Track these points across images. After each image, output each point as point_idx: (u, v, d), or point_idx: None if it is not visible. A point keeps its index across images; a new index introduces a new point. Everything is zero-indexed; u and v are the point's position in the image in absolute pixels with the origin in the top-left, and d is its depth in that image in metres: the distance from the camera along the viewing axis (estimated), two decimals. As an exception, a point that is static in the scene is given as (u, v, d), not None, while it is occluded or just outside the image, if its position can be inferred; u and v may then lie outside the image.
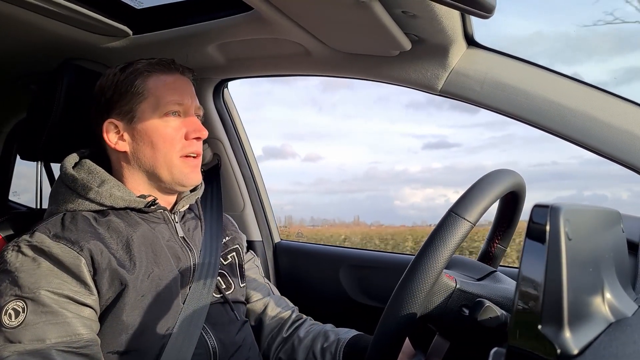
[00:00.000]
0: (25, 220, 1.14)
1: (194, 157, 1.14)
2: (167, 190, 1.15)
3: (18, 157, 2.42)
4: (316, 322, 1.34)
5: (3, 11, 1.11)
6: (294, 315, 1.33)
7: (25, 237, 0.98)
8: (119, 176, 1.14)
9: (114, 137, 1.11)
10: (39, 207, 2.42)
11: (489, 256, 1.12)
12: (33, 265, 0.94)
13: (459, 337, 0.88)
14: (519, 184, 0.93)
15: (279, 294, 1.40)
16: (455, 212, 0.78)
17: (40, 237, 0.97)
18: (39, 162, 2.23)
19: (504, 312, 0.76)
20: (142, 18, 1.29)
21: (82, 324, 0.94)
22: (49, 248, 0.95)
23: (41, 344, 0.89)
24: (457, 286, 0.85)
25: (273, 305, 1.33)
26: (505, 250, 1.12)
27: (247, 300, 1.32)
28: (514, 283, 0.93)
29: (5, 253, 0.97)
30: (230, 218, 1.41)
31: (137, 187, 1.13)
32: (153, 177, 1.12)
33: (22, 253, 0.96)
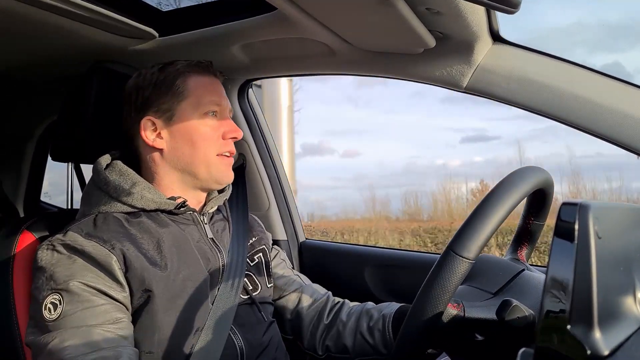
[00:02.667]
0: (57, 220, 1.16)
1: (228, 156, 1.17)
2: (200, 188, 1.17)
3: (50, 158, 2.48)
4: (354, 302, 1.34)
5: (32, 16, 1.13)
6: (330, 301, 1.33)
7: (59, 236, 1.00)
8: (150, 175, 1.15)
9: (151, 134, 1.13)
10: (69, 207, 2.48)
11: (526, 233, 1.10)
12: (68, 261, 0.97)
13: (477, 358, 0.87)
14: (544, 181, 0.91)
15: (310, 282, 1.40)
16: (453, 251, 0.77)
17: (73, 236, 0.99)
18: (70, 164, 2.28)
19: (531, 311, 0.75)
20: (168, 20, 1.31)
21: (117, 309, 0.97)
22: (82, 246, 0.98)
23: (82, 328, 0.92)
24: (465, 315, 0.84)
25: (307, 295, 1.33)
26: (543, 225, 1.09)
27: (281, 295, 1.33)
28: (537, 287, 0.91)
29: (40, 252, 1.00)
30: (257, 218, 1.42)
31: (169, 185, 1.15)
32: (189, 175, 1.14)
33: (57, 251, 0.98)
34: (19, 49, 1.39)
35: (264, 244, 1.32)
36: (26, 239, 1.12)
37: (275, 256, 1.38)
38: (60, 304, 0.93)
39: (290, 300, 1.33)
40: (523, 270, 0.98)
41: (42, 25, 1.20)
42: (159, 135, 1.13)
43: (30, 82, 1.78)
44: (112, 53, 1.39)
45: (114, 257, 0.98)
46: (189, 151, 1.12)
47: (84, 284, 0.95)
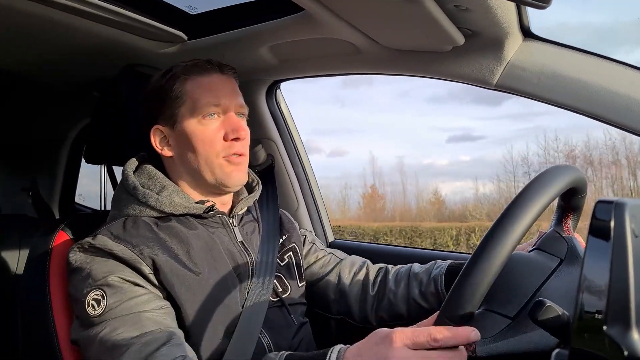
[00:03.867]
0: (91, 221, 1.19)
1: (237, 157, 1.11)
2: (215, 192, 1.15)
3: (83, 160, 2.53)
4: (397, 266, 1.31)
5: (65, 21, 1.16)
6: (371, 270, 1.31)
7: (88, 239, 1.01)
8: (174, 181, 1.15)
9: (161, 143, 1.13)
10: (103, 208, 2.53)
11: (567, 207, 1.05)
12: (102, 260, 0.99)
13: None
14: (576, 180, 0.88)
15: (346, 256, 1.38)
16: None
17: (103, 239, 1.00)
18: (103, 166, 2.33)
19: (565, 312, 0.74)
20: (197, 23, 1.33)
21: (159, 298, 0.98)
22: (111, 249, 0.98)
23: (130, 315, 0.93)
24: (477, 355, 0.80)
25: (346, 271, 1.31)
26: (584, 198, 1.03)
27: (320, 278, 1.31)
28: (569, 288, 0.89)
29: (72, 254, 1.02)
30: (287, 213, 1.40)
31: (191, 191, 1.14)
32: (199, 180, 1.12)
33: (88, 252, 1.00)
34: (53, 54, 1.43)
35: (294, 242, 1.30)
36: (62, 239, 1.15)
37: (304, 243, 1.37)
38: (104, 299, 0.94)
39: (330, 281, 1.31)
40: (556, 269, 0.95)
41: (76, 30, 1.22)
42: (167, 144, 1.13)
43: (64, 86, 1.83)
44: (143, 56, 1.42)
45: (143, 262, 0.98)
46: (193, 157, 1.10)
47: (122, 278, 0.97)
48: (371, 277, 1.29)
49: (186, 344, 0.95)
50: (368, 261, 1.35)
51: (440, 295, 1.16)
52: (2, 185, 2.66)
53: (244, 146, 1.13)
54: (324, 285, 1.31)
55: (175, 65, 1.13)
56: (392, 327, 0.83)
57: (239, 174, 1.12)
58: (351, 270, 1.32)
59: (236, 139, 1.10)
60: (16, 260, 1.86)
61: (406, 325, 0.88)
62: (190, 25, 1.33)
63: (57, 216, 2.62)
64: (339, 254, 1.38)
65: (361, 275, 1.30)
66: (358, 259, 1.36)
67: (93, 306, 0.94)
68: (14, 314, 1.17)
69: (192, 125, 1.09)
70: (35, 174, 2.61)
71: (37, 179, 2.59)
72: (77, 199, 2.75)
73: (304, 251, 1.34)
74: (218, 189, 1.14)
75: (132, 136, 1.27)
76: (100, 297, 0.94)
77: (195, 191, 1.14)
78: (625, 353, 0.46)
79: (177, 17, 1.30)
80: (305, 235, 1.39)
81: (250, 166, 1.27)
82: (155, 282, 0.99)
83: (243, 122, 1.15)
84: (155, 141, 1.13)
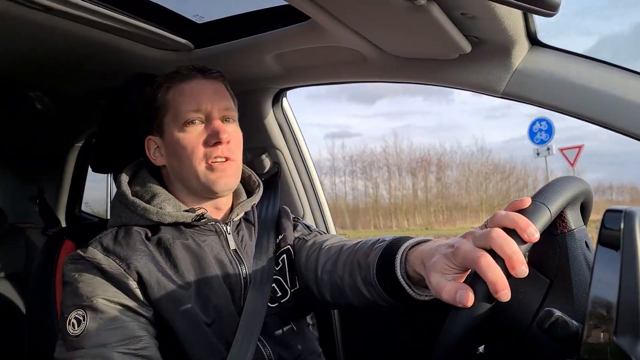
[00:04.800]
0: (97, 229, 1.19)
1: (221, 162, 1.08)
2: (207, 197, 1.13)
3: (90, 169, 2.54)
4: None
5: (72, 29, 1.17)
6: (343, 247, 1.11)
7: (79, 251, 1.02)
8: (168, 188, 1.15)
9: (155, 153, 1.14)
10: (109, 217, 2.53)
11: None
12: (89, 275, 0.98)
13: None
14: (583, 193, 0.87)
15: (328, 236, 1.22)
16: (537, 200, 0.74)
17: (92, 252, 1.00)
18: (109, 174, 2.34)
19: (574, 322, 0.73)
20: (203, 32, 1.33)
21: (140, 327, 0.96)
22: (99, 263, 0.98)
23: (103, 349, 0.91)
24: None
25: (323, 259, 1.13)
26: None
27: (311, 266, 1.15)
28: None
29: (65, 266, 1.02)
30: (286, 208, 1.33)
31: (183, 198, 1.13)
32: (189, 188, 1.12)
33: (79, 265, 1.00)
34: (60, 62, 1.44)
35: (289, 243, 1.22)
36: (68, 248, 1.15)
37: (300, 240, 1.23)
38: (84, 320, 0.93)
39: (326, 269, 1.12)
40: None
41: (83, 39, 1.23)
42: (160, 153, 1.14)
43: (70, 95, 1.84)
44: (150, 65, 1.42)
45: (130, 277, 0.98)
46: (178, 165, 1.09)
47: (107, 299, 0.96)
48: (340, 261, 1.09)
49: None
50: (345, 241, 1.15)
51: (376, 286, 0.96)
52: (8, 194, 2.67)
53: (230, 149, 1.10)
54: (306, 280, 1.17)
55: (161, 75, 1.14)
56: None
57: (225, 179, 1.09)
58: (327, 254, 1.13)
59: (217, 143, 1.07)
60: (23, 269, 1.87)
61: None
62: (197, 34, 1.34)
63: (63, 225, 2.63)
64: (323, 236, 1.23)
65: (330, 264, 1.11)
66: (338, 240, 1.18)
67: (73, 325, 0.94)
68: (21, 323, 1.17)
69: (176, 134, 1.09)
70: (42, 183, 2.62)
71: (43, 187, 2.60)
72: (83, 207, 2.76)
73: (295, 253, 1.22)
74: (208, 195, 1.12)
75: (139, 145, 1.28)
76: (81, 318, 0.94)
77: (189, 198, 1.13)
78: (636, 364, 0.46)
79: (183, 26, 1.31)
80: (298, 229, 1.28)
81: (256, 174, 1.27)
82: (141, 297, 0.98)
83: (229, 126, 1.12)
84: (150, 151, 1.14)
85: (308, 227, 1.31)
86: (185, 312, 0.99)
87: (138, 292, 0.98)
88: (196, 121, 1.08)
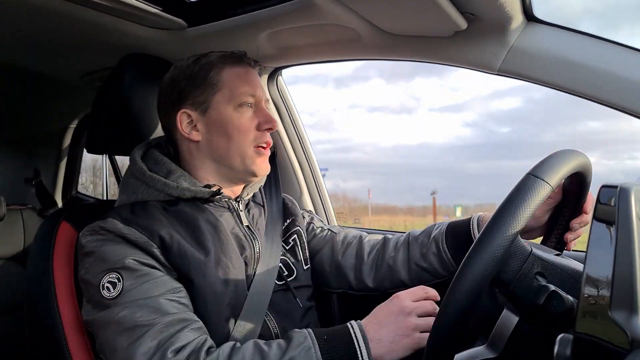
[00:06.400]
0: (94, 211, 1.19)
1: (264, 147, 1.15)
2: (236, 179, 1.17)
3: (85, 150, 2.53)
4: (395, 233, 1.34)
5: (64, 10, 1.15)
6: (365, 240, 1.33)
7: (99, 222, 1.03)
8: (188, 165, 1.16)
9: (187, 127, 1.14)
10: (105, 198, 2.53)
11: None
12: (113, 243, 1.00)
13: (530, 311, 0.83)
14: (586, 165, 0.88)
15: (341, 229, 1.40)
16: (534, 175, 0.75)
17: (113, 222, 1.01)
18: (104, 155, 2.33)
19: (570, 297, 0.74)
20: (196, 10, 1.32)
21: (174, 279, 1.00)
22: (121, 232, 1.00)
23: (148, 300, 0.94)
24: (533, 251, 0.81)
25: (339, 244, 1.33)
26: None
27: (315, 255, 1.33)
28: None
29: (83, 238, 1.03)
30: (290, 197, 1.42)
31: (205, 175, 1.15)
32: (224, 167, 1.14)
33: (100, 235, 1.01)
34: (53, 44, 1.43)
35: (298, 225, 1.32)
36: (65, 229, 1.15)
37: (307, 227, 1.38)
38: (120, 281, 0.95)
39: (325, 255, 1.33)
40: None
41: (75, 19, 1.22)
42: (194, 128, 1.14)
43: (64, 76, 1.82)
44: (143, 44, 1.41)
45: (153, 244, 1.00)
46: (225, 143, 1.12)
47: (137, 260, 0.98)
48: (366, 247, 1.31)
49: (204, 328, 0.97)
50: (363, 233, 1.36)
51: (442, 254, 1.18)
52: (5, 176, 2.67)
53: (270, 137, 1.17)
54: (319, 260, 1.33)
55: (209, 53, 1.16)
56: (392, 294, 0.97)
57: (266, 165, 1.17)
58: (344, 242, 1.33)
59: (269, 129, 1.14)
60: (20, 250, 1.87)
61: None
62: (190, 12, 1.32)
63: (60, 206, 2.63)
64: (335, 228, 1.39)
65: (354, 246, 1.32)
66: (352, 231, 1.38)
67: (108, 289, 0.95)
68: (19, 304, 1.18)
69: (229, 113, 1.12)
70: (38, 164, 2.62)
71: (39, 169, 2.60)
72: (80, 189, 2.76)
73: (310, 231, 1.36)
74: (243, 178, 1.17)
75: (134, 125, 1.27)
76: (115, 280, 0.95)
77: (211, 177, 1.16)
78: (630, 337, 0.46)
79: (177, 4, 1.29)
80: (305, 216, 1.40)
81: None
82: (167, 263, 1.00)
83: None
84: (182, 124, 1.14)
85: (321, 221, 1.44)
86: (203, 281, 1.01)
87: (163, 259, 1.00)
88: (249, 105, 1.13)
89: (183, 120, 1.13)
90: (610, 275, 0.48)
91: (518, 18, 1.09)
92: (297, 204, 1.39)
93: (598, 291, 0.50)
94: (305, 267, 1.27)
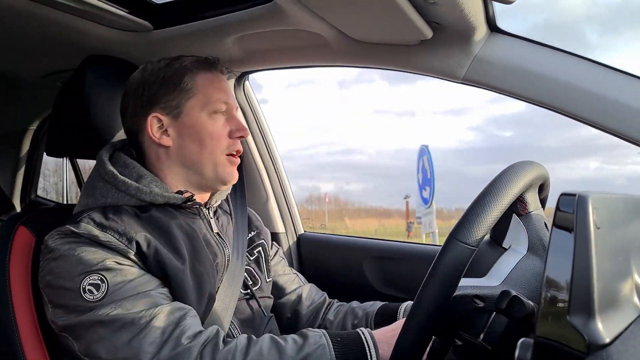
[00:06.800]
0: (53, 215, 1.16)
1: (234, 155, 1.14)
2: (205, 187, 1.15)
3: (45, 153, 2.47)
4: (341, 302, 1.37)
5: (25, 8, 1.12)
6: (326, 302, 1.36)
7: (69, 226, 0.99)
8: (154, 170, 1.13)
9: (157, 131, 1.11)
10: (66, 202, 2.47)
11: None
12: (89, 246, 0.96)
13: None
14: (540, 177, 0.91)
15: (308, 282, 1.41)
16: (455, 238, 0.77)
17: (87, 228, 0.97)
18: (65, 158, 2.27)
19: (530, 302, 0.75)
20: (162, 13, 1.30)
21: (155, 278, 0.99)
22: (97, 237, 0.97)
23: (139, 294, 0.93)
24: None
25: (307, 295, 1.35)
26: None
27: (281, 295, 1.33)
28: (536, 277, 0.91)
29: (53, 242, 0.99)
30: (255, 212, 1.41)
31: (174, 182, 1.13)
32: (194, 174, 1.12)
33: (73, 239, 0.97)
34: (14, 43, 1.39)
35: (263, 239, 1.32)
36: (22, 234, 1.11)
37: (275, 254, 1.38)
38: (104, 282, 0.93)
39: (290, 300, 1.34)
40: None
41: (38, 19, 1.19)
42: (165, 133, 1.11)
43: (24, 77, 1.77)
44: (107, 46, 1.38)
45: (131, 251, 0.97)
46: (197, 150, 1.10)
47: (117, 262, 0.96)
48: (324, 307, 1.35)
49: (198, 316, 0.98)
50: (325, 294, 1.40)
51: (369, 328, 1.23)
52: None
53: (241, 145, 1.16)
54: (282, 302, 1.34)
55: (181, 57, 1.14)
56: None
57: (236, 174, 1.16)
58: (311, 295, 1.36)
59: (240, 137, 1.14)
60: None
61: None
62: (156, 14, 1.30)
63: (18, 210, 2.56)
64: (303, 278, 1.41)
65: (318, 305, 1.35)
66: (319, 290, 1.41)
67: (91, 291, 0.92)
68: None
69: (202, 119, 1.10)
70: (-5, 167, 2.53)
71: (-3, 172, 2.51)
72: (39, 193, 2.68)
73: (273, 261, 1.36)
74: (213, 185, 1.15)
75: (95, 128, 1.24)
76: (99, 282, 0.93)
77: (180, 183, 1.13)
78: (588, 341, 0.48)
79: (142, 6, 1.27)
80: (278, 249, 1.42)
81: None
82: (145, 269, 0.99)
83: None
84: (152, 128, 1.11)
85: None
86: (177, 288, 1.00)
87: (140, 264, 0.99)
88: (222, 112, 1.13)
89: (153, 125, 1.11)
90: (569, 281, 0.49)
91: (482, 29, 1.12)
92: (261, 220, 1.40)
93: (557, 296, 0.51)
94: (267, 280, 1.27)
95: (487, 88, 1.18)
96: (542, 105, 1.12)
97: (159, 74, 1.11)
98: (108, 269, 0.94)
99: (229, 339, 0.94)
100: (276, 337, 0.96)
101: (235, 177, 1.16)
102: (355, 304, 1.32)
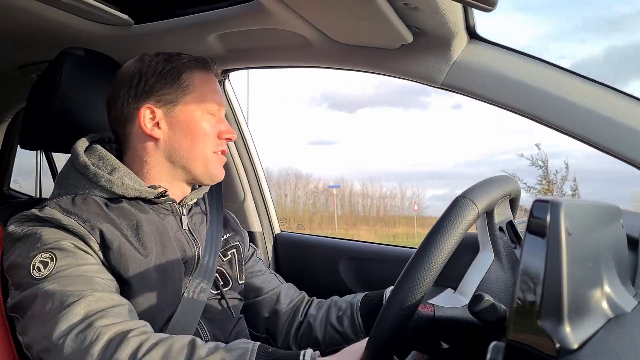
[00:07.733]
0: (26, 208, 1.13)
1: (221, 154, 1.17)
2: (189, 182, 1.17)
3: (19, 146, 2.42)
4: (321, 299, 1.36)
5: (4, 0, 1.10)
6: (305, 299, 1.35)
7: (34, 211, 0.98)
8: (138, 163, 1.13)
9: (149, 122, 1.11)
10: (39, 196, 2.42)
11: None
12: (49, 228, 0.96)
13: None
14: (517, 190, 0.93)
15: (285, 282, 1.41)
16: (466, 197, 0.76)
17: (51, 212, 0.97)
18: (39, 152, 2.23)
19: (502, 305, 0.76)
20: (144, 7, 1.29)
21: (107, 271, 0.98)
22: (60, 221, 0.96)
23: (81, 276, 0.92)
24: (436, 315, 0.82)
25: (285, 294, 1.34)
26: None
27: (258, 294, 1.33)
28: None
29: (14, 226, 0.99)
30: (232, 214, 1.40)
31: (157, 175, 1.13)
32: (181, 168, 1.13)
33: (35, 221, 0.97)
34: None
35: (238, 241, 1.31)
36: (-8, 227, 1.09)
37: (252, 255, 1.38)
38: (52, 261, 0.92)
39: (267, 299, 1.33)
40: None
41: (16, 10, 1.17)
42: (157, 125, 1.11)
43: (1, 68, 1.74)
44: (86, 39, 1.36)
45: (92, 237, 0.97)
46: (188, 145, 1.12)
47: (75, 245, 0.95)
48: (303, 304, 1.33)
49: (136, 314, 0.96)
50: (304, 293, 1.38)
51: (355, 320, 1.22)
52: None
53: (227, 147, 1.20)
54: (260, 302, 1.33)
55: (179, 54, 1.14)
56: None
57: (223, 171, 1.18)
58: (289, 294, 1.35)
59: (227, 139, 1.17)
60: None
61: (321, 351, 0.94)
62: (137, 8, 1.29)
63: (-12, 203, 2.50)
64: (281, 278, 1.40)
65: (297, 303, 1.33)
66: (297, 289, 1.39)
67: (38, 269, 0.92)
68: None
69: (197, 116, 1.12)
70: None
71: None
72: (12, 186, 2.63)
73: (250, 262, 1.35)
74: (200, 181, 1.17)
75: (70, 121, 1.22)
76: (48, 260, 0.92)
77: (164, 176, 1.14)
78: (557, 345, 0.49)
79: None
80: (255, 250, 1.41)
81: None
82: (103, 259, 0.98)
83: None
84: (144, 119, 1.10)
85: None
86: (139, 282, 1.00)
87: (100, 254, 0.98)
88: (214, 114, 1.15)
89: (145, 116, 1.10)
90: (540, 285, 0.50)
91: (462, 35, 1.13)
92: (238, 222, 1.39)
93: (529, 301, 0.52)
94: (240, 282, 1.26)
95: (465, 94, 1.20)
96: (518, 112, 1.14)
97: (157, 67, 1.11)
98: (61, 249, 0.94)
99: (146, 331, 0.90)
100: (197, 339, 0.90)
101: (222, 175, 1.18)
102: (335, 298, 1.32)
